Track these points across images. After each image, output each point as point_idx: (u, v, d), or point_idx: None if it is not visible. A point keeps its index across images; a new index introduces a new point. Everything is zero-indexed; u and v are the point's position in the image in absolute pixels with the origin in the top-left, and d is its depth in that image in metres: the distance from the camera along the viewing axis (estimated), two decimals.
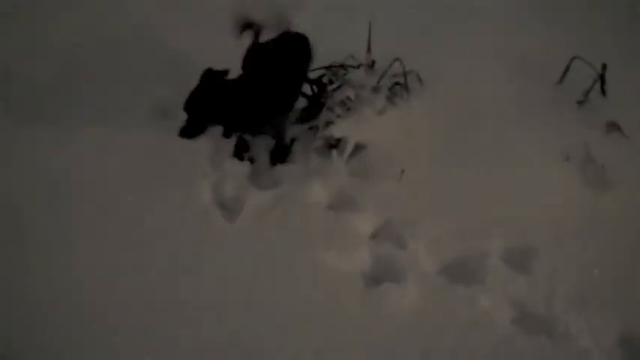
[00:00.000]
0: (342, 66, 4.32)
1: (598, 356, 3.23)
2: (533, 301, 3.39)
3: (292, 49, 4.00)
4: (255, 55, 3.93)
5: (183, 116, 4.05)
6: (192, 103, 4.00)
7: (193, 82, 4.00)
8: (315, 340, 3.19)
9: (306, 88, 4.17)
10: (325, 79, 4.27)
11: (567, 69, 4.30)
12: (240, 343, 3.16)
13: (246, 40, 4.03)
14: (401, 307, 3.33)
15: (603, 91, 4.25)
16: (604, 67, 4.17)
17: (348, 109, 4.10)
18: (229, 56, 3.88)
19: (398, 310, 3.31)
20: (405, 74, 4.17)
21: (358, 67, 4.31)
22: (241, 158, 4.01)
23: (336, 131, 3.99)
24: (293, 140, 4.06)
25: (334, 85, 4.22)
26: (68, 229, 3.55)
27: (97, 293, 3.29)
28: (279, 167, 3.96)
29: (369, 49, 4.27)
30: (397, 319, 3.28)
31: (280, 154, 4.03)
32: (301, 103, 4.20)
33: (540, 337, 3.26)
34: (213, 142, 4.04)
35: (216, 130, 4.07)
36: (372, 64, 4.31)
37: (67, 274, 3.35)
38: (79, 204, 3.67)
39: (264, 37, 4.03)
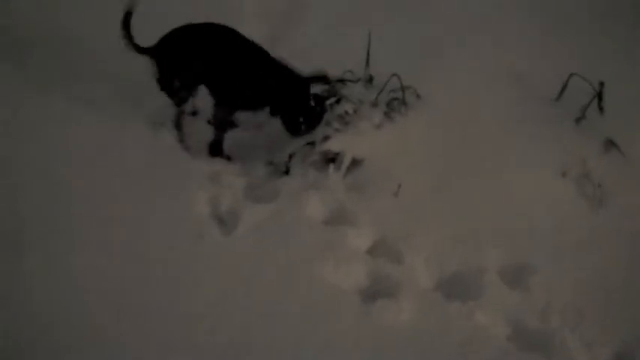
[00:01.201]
0: (341, 80, 4.33)
1: None
2: (529, 317, 3.38)
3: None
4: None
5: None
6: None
7: None
8: (311, 355, 3.17)
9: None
10: (324, 94, 4.27)
11: (565, 86, 4.31)
12: (235, 356, 3.13)
13: None
14: (397, 322, 3.31)
15: (601, 108, 4.27)
16: (601, 84, 4.20)
17: (346, 123, 4.12)
18: None
19: (394, 325, 3.29)
20: (402, 89, 4.19)
21: (357, 81, 4.33)
22: (217, 155, 4.17)
23: (334, 146, 4.00)
24: (291, 155, 4.07)
25: (332, 100, 4.23)
26: (67, 239, 3.51)
27: (93, 303, 3.25)
28: (276, 181, 3.97)
29: (367, 64, 4.29)
30: (393, 335, 3.26)
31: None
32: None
33: (536, 353, 3.25)
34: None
35: None
36: (370, 79, 4.33)
37: (65, 284, 3.32)
38: (77, 215, 3.64)
39: None
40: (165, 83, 3.99)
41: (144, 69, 4.04)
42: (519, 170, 3.97)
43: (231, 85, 4.03)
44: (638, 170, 4.07)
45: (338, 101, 4.22)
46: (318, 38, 4.86)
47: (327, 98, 4.23)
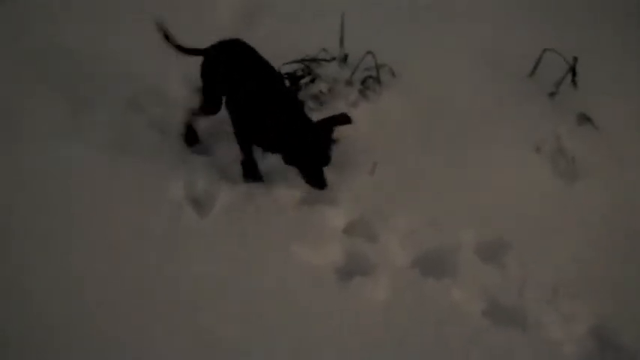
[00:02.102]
0: (315, 60, 4.31)
1: (569, 346, 3.28)
2: (504, 293, 3.42)
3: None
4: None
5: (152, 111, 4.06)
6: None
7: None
8: (289, 334, 3.19)
9: None
10: (298, 73, 4.25)
11: (539, 61, 4.32)
12: (213, 338, 3.14)
13: None
14: (374, 300, 3.34)
15: (574, 83, 4.28)
16: (575, 59, 4.20)
17: (321, 103, 4.11)
18: None
19: (371, 303, 3.33)
20: (377, 67, 4.18)
21: (331, 60, 4.31)
22: (191, 144, 4.05)
23: None
24: None
25: (307, 79, 4.21)
26: (45, 225, 3.52)
27: (71, 284, 3.27)
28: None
29: (341, 43, 4.27)
30: (370, 313, 3.29)
31: (245, 167, 3.90)
32: None
33: (512, 328, 3.29)
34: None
35: None
36: (344, 58, 4.31)
37: (43, 270, 3.34)
38: (54, 199, 3.64)
39: None
40: (206, 79, 3.88)
41: None
42: (494, 147, 3.98)
43: (247, 116, 3.72)
44: (612, 144, 4.09)
45: (313, 80, 4.21)
46: (292, 18, 4.81)
47: (302, 77, 4.21)
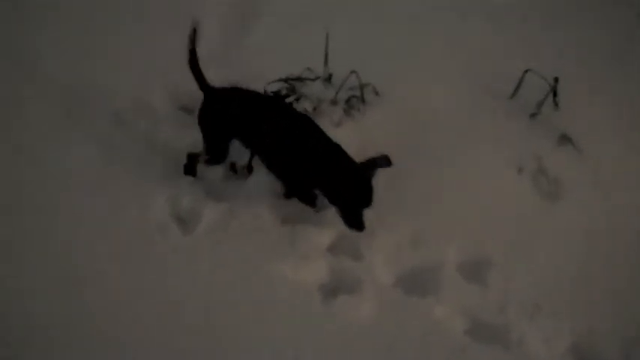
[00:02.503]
0: (300, 79, 4.34)
1: None
2: (486, 311, 3.45)
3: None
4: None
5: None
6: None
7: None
8: (273, 353, 3.21)
9: None
10: (283, 92, 4.27)
11: (520, 82, 4.36)
12: (193, 353, 3.16)
13: None
14: (358, 318, 3.36)
15: (556, 104, 4.32)
16: (556, 80, 4.25)
17: None
18: None
19: (355, 321, 3.34)
20: (361, 87, 4.21)
21: (315, 79, 4.33)
22: (188, 174, 3.97)
23: None
24: (253, 155, 4.03)
25: (292, 98, 4.23)
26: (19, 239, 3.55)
27: (54, 300, 3.30)
28: (238, 181, 3.98)
29: (326, 62, 4.29)
30: (354, 331, 3.31)
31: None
32: None
33: (494, 346, 3.32)
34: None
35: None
36: (329, 77, 4.33)
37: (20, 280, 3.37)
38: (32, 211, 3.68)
39: None
40: (203, 122, 3.76)
41: None
42: (476, 166, 4.00)
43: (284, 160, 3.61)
44: (593, 164, 4.12)
45: (297, 100, 4.22)
46: (277, 36, 4.84)
47: (287, 96, 4.23)
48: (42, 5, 4.96)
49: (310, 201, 3.82)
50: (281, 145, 3.53)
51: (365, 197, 3.38)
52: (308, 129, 3.56)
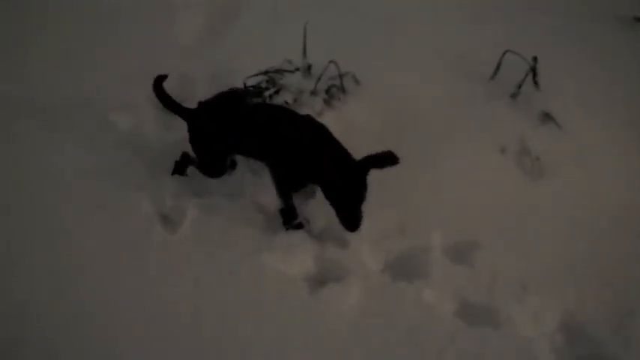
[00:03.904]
0: (279, 71, 4.33)
1: (540, 342, 3.32)
2: (475, 293, 3.46)
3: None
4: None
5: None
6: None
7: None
8: (262, 343, 3.22)
9: None
10: (262, 85, 4.27)
11: (500, 63, 4.36)
12: (182, 349, 3.19)
13: None
14: (347, 306, 3.36)
15: (536, 83, 4.33)
16: (535, 59, 4.25)
17: None
18: None
19: (344, 309, 3.35)
20: (340, 76, 4.21)
21: (295, 71, 4.32)
22: (176, 173, 3.97)
23: None
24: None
25: (272, 90, 4.23)
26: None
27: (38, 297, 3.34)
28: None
29: (304, 53, 4.28)
30: (343, 319, 3.32)
31: (284, 214, 3.79)
32: None
33: (483, 327, 3.33)
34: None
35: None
36: (308, 68, 4.32)
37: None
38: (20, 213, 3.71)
39: None
40: (196, 148, 3.75)
41: None
42: (459, 149, 4.01)
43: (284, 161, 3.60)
44: (575, 142, 4.13)
45: (277, 92, 4.22)
46: (255, 29, 4.84)
47: (267, 89, 4.23)
48: (29, 14, 4.99)
49: (292, 216, 3.77)
50: (280, 147, 3.50)
51: (356, 193, 3.30)
52: (303, 126, 3.54)
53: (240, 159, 3.93)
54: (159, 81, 3.69)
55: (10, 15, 5.01)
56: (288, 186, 3.71)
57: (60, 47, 4.76)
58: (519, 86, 4.28)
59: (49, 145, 4.07)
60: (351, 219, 3.32)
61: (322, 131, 3.50)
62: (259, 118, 3.57)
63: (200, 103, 3.69)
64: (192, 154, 3.84)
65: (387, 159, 3.31)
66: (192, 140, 3.70)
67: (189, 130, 3.68)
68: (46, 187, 3.83)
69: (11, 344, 3.19)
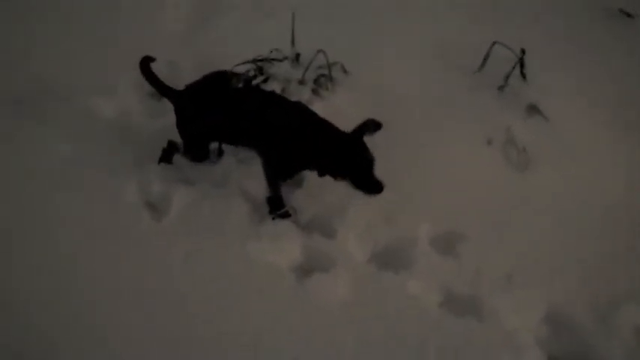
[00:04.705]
0: (267, 59, 4.32)
1: (524, 334, 3.34)
2: (460, 284, 3.48)
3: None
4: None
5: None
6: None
7: None
8: (249, 333, 3.21)
9: None
10: (251, 73, 4.25)
11: (487, 55, 4.37)
12: (171, 339, 3.17)
13: None
14: (333, 296, 3.36)
15: (523, 75, 4.35)
16: (523, 51, 4.27)
17: None
18: None
19: (330, 299, 3.35)
20: (329, 65, 4.20)
21: (283, 60, 4.31)
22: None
23: None
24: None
25: (260, 79, 4.22)
26: None
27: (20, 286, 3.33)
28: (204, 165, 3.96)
29: (293, 42, 4.28)
30: (330, 308, 3.32)
31: (271, 202, 3.79)
32: None
33: (468, 318, 3.35)
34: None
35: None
36: (296, 57, 4.32)
37: None
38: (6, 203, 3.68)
39: None
40: (182, 131, 3.73)
41: None
42: (446, 140, 4.03)
43: (276, 147, 3.57)
44: (562, 134, 4.16)
45: (265, 81, 4.21)
46: (243, 18, 4.83)
47: (255, 77, 4.22)
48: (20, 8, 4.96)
49: (279, 205, 3.76)
50: (271, 133, 3.51)
51: (365, 157, 3.38)
52: (294, 110, 3.55)
53: (227, 147, 3.91)
54: (146, 61, 3.67)
55: None
56: (278, 174, 3.71)
57: (44, 34, 4.73)
58: (506, 78, 4.30)
59: (35, 134, 4.03)
60: (370, 184, 3.38)
61: (312, 115, 3.53)
62: (250, 102, 3.56)
63: (187, 85, 3.68)
64: (178, 141, 3.82)
65: (371, 125, 3.40)
66: (178, 122, 3.69)
67: (176, 112, 3.68)
68: (33, 176, 3.80)
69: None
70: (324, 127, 3.47)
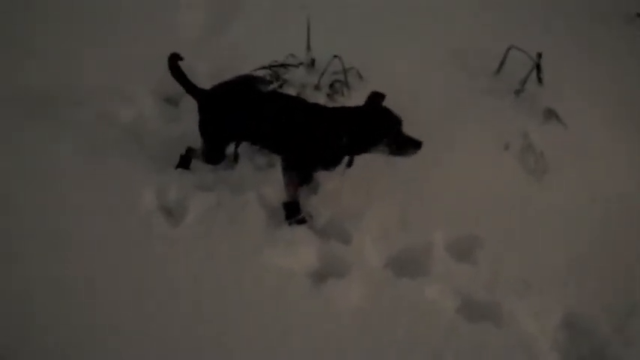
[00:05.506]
0: (283, 65, 4.33)
1: (542, 339, 3.31)
2: (477, 289, 3.45)
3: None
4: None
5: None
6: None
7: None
8: (265, 338, 3.20)
9: None
10: (266, 79, 4.26)
11: (504, 59, 4.36)
12: (187, 346, 3.16)
13: None
14: (349, 301, 3.34)
15: (540, 80, 4.33)
16: (539, 55, 4.25)
17: None
18: None
19: (346, 304, 3.33)
20: (344, 71, 4.20)
21: (298, 65, 4.32)
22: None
23: None
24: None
25: (275, 85, 4.23)
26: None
27: (39, 295, 3.30)
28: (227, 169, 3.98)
29: (308, 48, 4.28)
30: (345, 314, 3.30)
31: (288, 208, 3.79)
32: None
33: (485, 323, 3.32)
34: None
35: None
36: (312, 63, 4.33)
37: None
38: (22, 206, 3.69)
39: None
40: (204, 130, 3.78)
41: None
42: (463, 145, 4.01)
43: (303, 148, 3.60)
44: (579, 138, 4.13)
45: (281, 86, 4.23)
46: (259, 24, 4.84)
47: (270, 83, 4.23)
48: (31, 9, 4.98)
49: (296, 211, 3.77)
50: (295, 134, 3.54)
51: (393, 117, 3.46)
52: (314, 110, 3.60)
53: (243, 154, 3.92)
54: (174, 58, 3.72)
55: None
56: (298, 177, 3.73)
57: (62, 41, 4.76)
58: (523, 83, 4.27)
59: (51, 138, 4.06)
60: (406, 142, 3.47)
61: (329, 108, 3.61)
62: (274, 105, 3.60)
63: (214, 86, 3.73)
64: (196, 147, 3.83)
65: (377, 96, 3.49)
66: (201, 121, 3.74)
67: (200, 111, 3.73)
68: (48, 181, 3.81)
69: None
70: (343, 110, 3.54)
